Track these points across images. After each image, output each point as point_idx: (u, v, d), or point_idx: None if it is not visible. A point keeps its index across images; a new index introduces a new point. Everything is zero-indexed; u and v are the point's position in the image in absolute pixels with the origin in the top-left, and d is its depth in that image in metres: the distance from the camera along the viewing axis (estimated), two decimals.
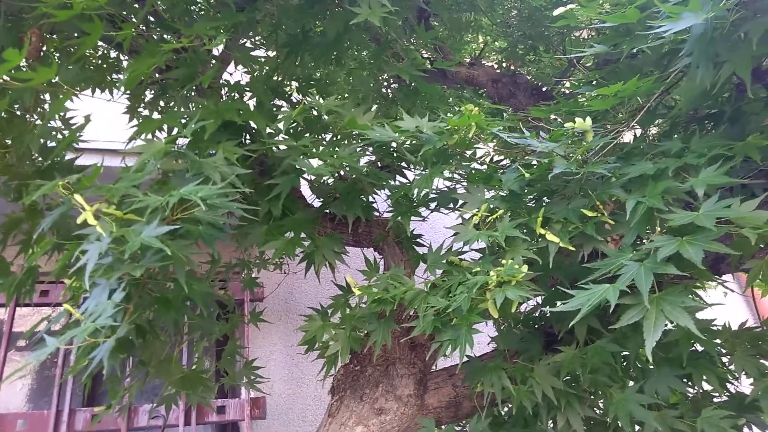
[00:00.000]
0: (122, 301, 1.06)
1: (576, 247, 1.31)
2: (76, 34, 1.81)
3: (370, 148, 1.67)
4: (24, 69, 1.32)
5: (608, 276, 1.20)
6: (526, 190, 1.45)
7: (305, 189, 1.91)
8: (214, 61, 1.81)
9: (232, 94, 1.65)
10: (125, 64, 2.45)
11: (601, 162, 1.31)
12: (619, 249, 1.27)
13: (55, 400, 2.76)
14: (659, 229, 1.23)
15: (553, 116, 1.85)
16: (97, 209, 1.14)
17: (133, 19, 1.59)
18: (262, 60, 1.77)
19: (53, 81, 1.50)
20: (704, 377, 1.49)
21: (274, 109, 1.76)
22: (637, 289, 1.13)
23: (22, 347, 3.39)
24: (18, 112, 1.77)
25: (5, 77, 1.25)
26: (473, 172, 1.49)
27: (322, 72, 2.13)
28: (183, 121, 1.48)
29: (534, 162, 1.47)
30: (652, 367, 1.52)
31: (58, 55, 1.98)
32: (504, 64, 2.99)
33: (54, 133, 1.69)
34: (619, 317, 1.52)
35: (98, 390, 3.23)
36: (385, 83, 2.72)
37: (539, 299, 1.74)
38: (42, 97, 1.86)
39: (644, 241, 1.32)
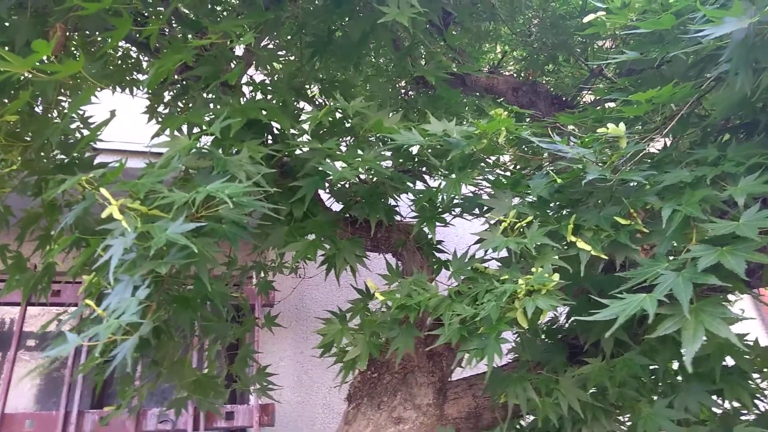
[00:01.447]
0: (146, 298, 1.03)
1: (607, 255, 1.28)
2: (97, 32, 1.80)
3: (388, 153, 1.65)
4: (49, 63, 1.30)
5: (642, 286, 1.16)
6: (554, 197, 1.41)
7: (321, 191, 1.88)
8: (235, 61, 1.79)
9: (255, 94, 1.63)
10: (144, 64, 2.45)
11: (635, 169, 1.28)
12: (653, 258, 1.23)
13: (64, 401, 2.73)
14: (695, 238, 1.19)
15: (571, 126, 1.83)
16: (122, 204, 1.12)
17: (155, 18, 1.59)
18: (286, 61, 1.76)
19: (76, 76, 1.49)
20: (736, 394, 1.45)
21: (296, 111, 1.74)
22: (673, 300, 1.09)
23: (31, 347, 3.37)
24: (37, 108, 1.76)
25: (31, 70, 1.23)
26: (500, 177, 1.46)
27: (342, 76, 2.11)
28: (207, 118, 1.47)
29: (561, 169, 1.45)
30: (680, 381, 1.48)
31: (77, 53, 1.98)
32: (523, 74, 2.97)
33: (74, 129, 1.67)
34: (647, 329, 1.49)
35: (107, 392, 3.21)
36: (402, 90, 2.71)
37: (560, 309, 1.70)
38: (62, 94, 1.86)
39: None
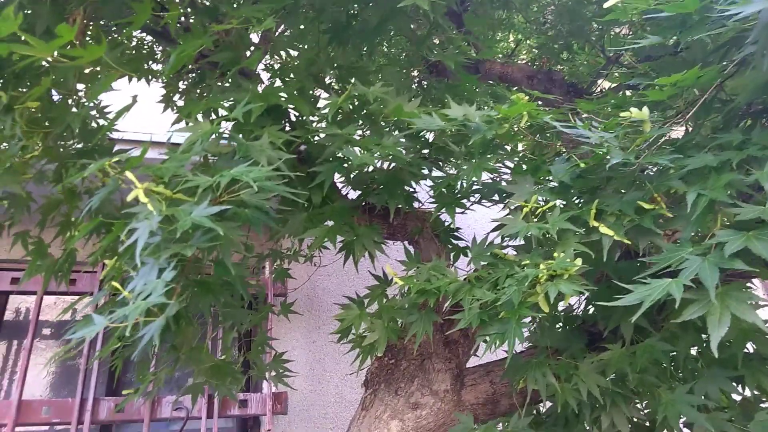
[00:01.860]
0: (172, 280, 1.04)
1: (630, 241, 1.27)
2: (112, 21, 1.80)
3: (402, 139, 1.65)
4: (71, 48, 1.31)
5: (666, 271, 1.16)
6: (575, 183, 1.41)
7: (337, 178, 1.88)
8: (252, 48, 1.79)
9: (274, 81, 1.63)
10: (159, 54, 2.46)
11: (658, 153, 1.27)
12: (677, 243, 1.22)
13: (80, 388, 2.76)
14: (719, 223, 1.19)
15: (585, 115, 1.81)
16: (146, 188, 1.12)
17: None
18: (303, 47, 1.75)
19: (96, 63, 1.50)
20: (756, 381, 1.44)
21: (313, 98, 1.74)
22: (698, 285, 1.09)
23: (47, 336, 3.40)
24: (55, 95, 1.77)
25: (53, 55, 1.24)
26: (520, 163, 1.46)
27: (359, 62, 2.11)
28: (227, 104, 1.47)
29: (582, 154, 1.44)
30: (701, 367, 1.47)
31: (92, 41, 1.98)
32: (537, 63, 2.95)
33: (94, 116, 1.68)
34: (668, 315, 1.49)
35: (122, 380, 3.24)
36: (416, 80, 2.70)
37: (576, 297, 1.70)
38: (79, 81, 1.86)
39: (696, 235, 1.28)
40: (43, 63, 1.59)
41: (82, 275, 3.06)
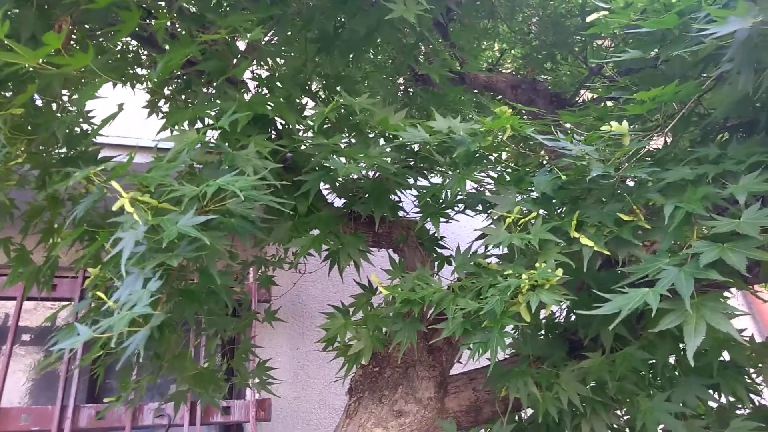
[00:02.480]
0: (157, 290, 1.04)
1: (609, 251, 1.30)
2: (99, 28, 1.80)
3: (388, 149, 1.67)
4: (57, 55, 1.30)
5: (644, 281, 1.18)
6: (557, 194, 1.43)
7: (322, 187, 1.89)
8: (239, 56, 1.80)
9: (261, 89, 1.63)
10: (144, 59, 2.45)
11: (637, 166, 1.30)
12: (655, 254, 1.25)
13: (60, 395, 2.73)
14: (696, 235, 1.22)
15: (568, 125, 1.84)
16: (132, 197, 1.12)
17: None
18: (289, 56, 1.76)
19: (82, 69, 1.49)
20: (732, 388, 1.48)
21: (299, 107, 1.75)
22: (674, 295, 1.12)
23: (26, 342, 3.35)
24: (39, 102, 1.76)
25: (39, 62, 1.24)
26: (503, 174, 1.48)
27: (345, 72, 2.12)
28: (213, 113, 1.47)
29: (564, 166, 1.47)
30: (678, 375, 1.50)
31: (78, 47, 1.97)
32: (521, 72, 2.99)
33: (79, 122, 1.67)
34: (646, 324, 1.52)
35: (103, 386, 3.20)
36: (402, 87, 2.72)
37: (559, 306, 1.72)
38: (64, 88, 1.85)
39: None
40: (26, 72, 1.59)
41: (62, 281, 3.02)
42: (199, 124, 1.69)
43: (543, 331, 1.72)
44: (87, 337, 1.00)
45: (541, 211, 1.39)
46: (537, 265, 1.30)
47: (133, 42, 2.45)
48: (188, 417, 2.80)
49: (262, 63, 1.85)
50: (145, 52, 2.46)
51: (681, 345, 1.50)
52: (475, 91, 2.75)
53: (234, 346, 2.86)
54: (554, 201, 1.45)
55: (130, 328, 1.05)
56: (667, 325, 1.12)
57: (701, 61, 1.57)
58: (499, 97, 2.77)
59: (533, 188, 1.47)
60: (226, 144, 1.36)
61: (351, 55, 1.77)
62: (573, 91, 2.69)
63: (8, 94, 1.61)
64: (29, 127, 1.61)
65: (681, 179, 1.25)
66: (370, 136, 1.65)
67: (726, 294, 1.63)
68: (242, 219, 1.23)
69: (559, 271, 1.26)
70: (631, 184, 1.47)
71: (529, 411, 1.73)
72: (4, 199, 1.51)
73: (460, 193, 1.46)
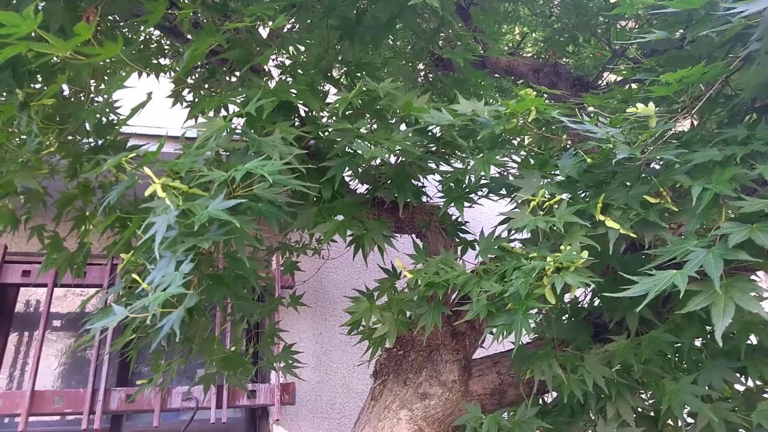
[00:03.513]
0: (190, 272, 1.07)
1: (635, 234, 1.29)
2: (124, 19, 1.83)
3: (410, 133, 1.67)
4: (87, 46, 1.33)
5: (671, 264, 1.18)
6: (582, 177, 1.43)
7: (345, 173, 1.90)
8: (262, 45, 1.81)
9: (285, 77, 1.65)
10: (168, 50, 2.48)
11: (664, 148, 1.29)
12: (681, 236, 1.25)
13: (91, 379, 2.81)
14: (724, 216, 1.21)
15: (591, 108, 1.83)
16: (163, 183, 1.15)
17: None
18: (311, 43, 1.77)
19: (111, 59, 1.52)
20: (759, 372, 1.47)
21: (322, 93, 1.76)
22: (703, 276, 1.11)
23: (57, 327, 3.45)
24: (66, 91, 1.79)
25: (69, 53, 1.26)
26: (528, 157, 1.48)
27: (367, 58, 2.13)
28: (239, 100, 1.49)
29: (588, 149, 1.46)
30: (705, 359, 1.50)
31: (103, 38, 2.01)
32: (543, 56, 2.96)
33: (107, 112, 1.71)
34: (672, 307, 1.51)
35: (132, 371, 3.28)
36: (422, 73, 2.72)
37: (583, 290, 1.72)
38: (94, 78, 1.89)
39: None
40: (57, 60, 1.62)
41: (92, 268, 3.10)
42: (224, 113, 1.71)
43: (567, 315, 1.72)
44: (122, 316, 1.03)
45: (565, 195, 1.39)
46: (562, 247, 1.30)
47: (156, 33, 2.48)
48: (215, 400, 2.86)
49: (283, 51, 1.86)
50: (168, 43, 2.49)
51: (708, 328, 1.49)
52: (497, 75, 2.73)
53: (259, 330, 2.91)
54: (579, 184, 1.44)
55: (163, 309, 1.08)
56: (695, 307, 1.11)
57: (728, 41, 1.54)
58: (521, 81, 2.75)
59: (557, 172, 1.47)
60: (252, 131, 1.38)
61: (373, 43, 1.77)
62: (596, 75, 2.66)
63: (37, 87, 1.65)
64: (58, 118, 1.65)
65: (709, 161, 1.24)
66: (392, 121, 1.65)
67: (753, 277, 1.62)
68: (269, 204, 1.25)
69: (585, 253, 1.26)
70: (656, 167, 1.46)
71: (553, 395, 1.74)
72: (38, 187, 1.56)
73: (484, 177, 1.46)
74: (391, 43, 2.74)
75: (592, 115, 1.61)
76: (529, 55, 2.88)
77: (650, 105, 1.30)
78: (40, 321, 2.89)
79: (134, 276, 1.18)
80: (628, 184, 1.37)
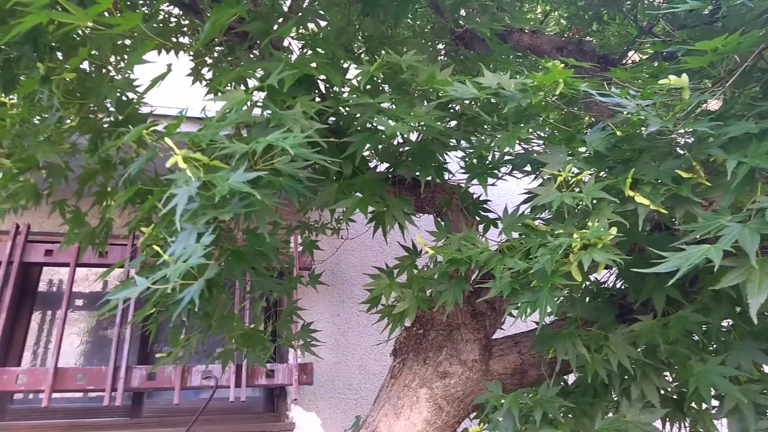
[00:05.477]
0: (211, 244, 1.06)
1: (666, 210, 1.26)
2: None
3: (432, 109, 1.64)
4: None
5: (705, 239, 1.14)
6: (610, 152, 1.39)
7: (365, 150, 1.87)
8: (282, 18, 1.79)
9: (306, 51, 1.62)
10: (186, 27, 2.46)
11: (698, 121, 1.24)
12: (714, 212, 1.21)
13: (113, 356, 2.84)
14: (760, 190, 1.17)
15: (620, 82, 1.77)
16: (184, 154, 1.14)
17: None
18: (333, 17, 1.74)
19: (130, 32, 1.51)
20: None
21: (342, 69, 1.73)
22: (738, 252, 1.07)
23: (80, 306, 3.50)
24: (86, 67, 1.79)
25: (90, 24, 1.25)
26: (554, 132, 1.44)
27: (388, 32, 2.09)
28: (258, 74, 1.47)
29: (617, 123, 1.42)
30: (733, 340, 1.46)
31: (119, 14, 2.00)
32: (567, 34, 2.89)
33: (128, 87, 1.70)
34: (700, 287, 1.47)
35: (152, 349, 3.33)
36: (442, 52, 2.67)
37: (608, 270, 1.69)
38: (114, 53, 1.88)
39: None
40: (77, 35, 1.62)
41: (113, 248, 3.13)
42: (243, 87, 1.69)
43: (591, 296, 1.69)
44: (144, 286, 1.02)
45: (592, 170, 1.35)
46: (589, 224, 1.27)
47: (175, 11, 2.46)
48: (234, 379, 2.89)
49: (302, 25, 1.83)
50: (186, 21, 2.47)
51: (737, 308, 1.45)
52: (519, 54, 2.67)
53: (277, 309, 2.92)
54: (607, 159, 1.40)
55: (184, 281, 1.08)
56: (730, 283, 1.08)
57: (764, 12, 1.48)
58: (544, 59, 2.69)
59: (584, 147, 1.43)
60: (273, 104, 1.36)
61: (395, 16, 1.73)
62: (621, 53, 2.59)
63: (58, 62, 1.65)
64: (79, 94, 1.64)
65: (744, 134, 1.19)
66: (414, 96, 1.62)
67: None
68: (290, 178, 1.24)
69: (613, 230, 1.22)
70: (688, 141, 1.41)
71: (574, 377, 1.72)
72: (60, 162, 1.56)
73: (508, 153, 1.43)
74: (410, 22, 2.69)
75: (627, 86, 1.57)
76: (552, 33, 2.81)
77: (683, 76, 1.26)
78: (63, 300, 2.93)
79: (156, 248, 1.17)
80: (657, 159, 1.33)
